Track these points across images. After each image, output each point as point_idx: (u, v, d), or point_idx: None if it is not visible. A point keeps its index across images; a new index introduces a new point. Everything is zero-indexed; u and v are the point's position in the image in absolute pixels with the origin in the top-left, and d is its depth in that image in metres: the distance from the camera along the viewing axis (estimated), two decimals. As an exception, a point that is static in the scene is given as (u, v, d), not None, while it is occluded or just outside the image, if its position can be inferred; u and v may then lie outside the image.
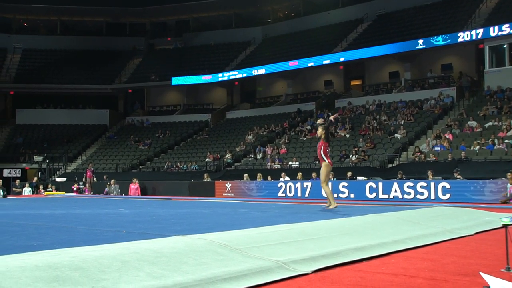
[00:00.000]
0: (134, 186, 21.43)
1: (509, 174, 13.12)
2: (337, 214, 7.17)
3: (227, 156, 26.70)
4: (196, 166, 26.58)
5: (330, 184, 16.75)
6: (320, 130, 8.76)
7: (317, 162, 21.90)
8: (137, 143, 33.60)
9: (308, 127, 27.45)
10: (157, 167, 28.74)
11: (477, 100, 24.36)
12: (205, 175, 21.85)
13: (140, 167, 29.84)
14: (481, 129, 20.48)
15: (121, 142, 34.59)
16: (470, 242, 5.35)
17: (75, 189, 23.91)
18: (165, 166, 28.21)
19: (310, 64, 30.88)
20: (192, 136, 33.90)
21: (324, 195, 16.71)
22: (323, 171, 8.59)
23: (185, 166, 27.04)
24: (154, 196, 20.39)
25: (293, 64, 31.50)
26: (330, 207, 8.59)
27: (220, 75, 34.86)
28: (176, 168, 27.27)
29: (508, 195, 13.12)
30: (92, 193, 22.77)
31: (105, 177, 25.21)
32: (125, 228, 5.38)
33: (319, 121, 9.14)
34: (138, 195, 20.98)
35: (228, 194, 19.30)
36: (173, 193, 20.93)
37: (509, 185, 13.23)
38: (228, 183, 19.65)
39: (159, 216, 7.52)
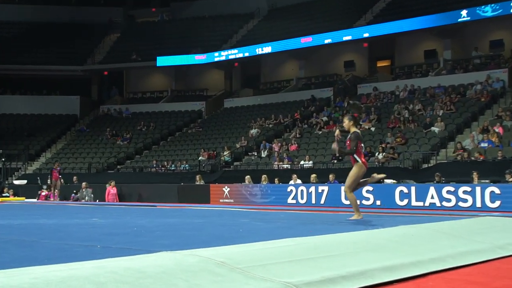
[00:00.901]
0: (113, 190, 21.47)
1: None
2: (361, 226, 7.15)
3: (224, 153, 26.71)
4: (186, 166, 26.59)
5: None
6: (346, 121, 8.66)
7: (335, 161, 21.96)
8: (115, 138, 33.64)
9: (324, 118, 27.42)
10: (139, 167, 28.76)
11: (534, 85, 24.32)
12: (198, 177, 21.87)
13: (118, 167, 29.88)
14: (538, 121, 20.43)
15: (95, 136, 34.65)
16: (526, 260, 5.32)
17: (43, 194, 23.91)
18: (149, 166, 28.22)
19: (327, 41, 30.81)
20: (182, 129, 33.91)
21: (346, 202, 16.72)
22: (353, 173, 8.44)
23: (173, 166, 27.06)
24: (135, 202, 20.41)
25: (306, 40, 31.44)
26: (353, 217, 8.53)
27: (216, 54, 34.83)
28: (163, 168, 27.29)
29: None
30: (58, 199, 22.82)
31: (74, 179, 25.27)
32: (100, 242, 5.37)
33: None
34: (117, 201, 21.04)
35: (226, 201, 19.27)
36: (159, 199, 20.90)
37: None
38: (226, 187, 19.63)
39: (141, 227, 7.51)
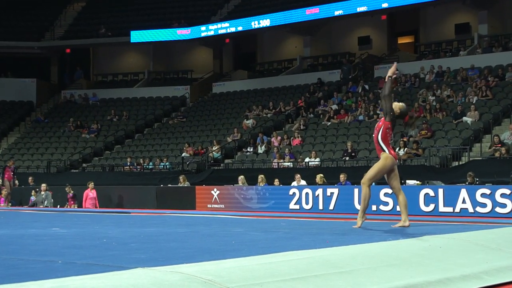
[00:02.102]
0: (92, 193, 21.32)
1: None
2: (378, 236, 7.16)
3: (213, 149, 26.72)
4: (167, 164, 26.58)
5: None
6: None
7: (347, 158, 22.00)
8: (79, 130, 33.59)
9: (334, 107, 27.42)
10: (109, 165, 28.73)
11: None
12: (181, 177, 21.85)
13: (84, 165, 29.85)
14: None
15: (55, 128, 34.60)
16: None
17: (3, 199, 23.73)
18: (122, 164, 28.19)
19: (337, 13, 30.76)
20: (161, 120, 33.88)
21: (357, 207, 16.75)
22: (378, 165, 8.35)
23: (151, 164, 27.05)
24: (105, 208, 20.39)
25: (312, 12, 31.39)
26: (356, 225, 8.60)
27: (203, 28, 34.76)
28: (138, 167, 27.27)
29: None
30: (10, 204, 22.75)
31: (30, 180, 25.21)
32: (62, 257, 5.35)
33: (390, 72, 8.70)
34: (97, 206, 20.93)
35: (216, 206, 19.27)
36: (134, 204, 20.84)
37: None
38: (215, 190, 19.61)
39: (112, 238, 7.50)
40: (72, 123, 34.02)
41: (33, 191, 22.89)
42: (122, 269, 4.19)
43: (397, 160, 8.63)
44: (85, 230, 9.34)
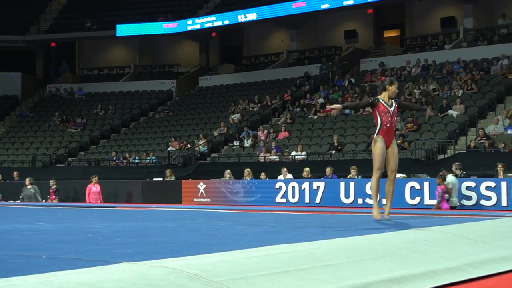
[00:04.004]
0: (95, 187, 21.00)
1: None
2: (363, 230, 7.18)
3: (200, 143, 26.68)
4: (153, 158, 26.52)
5: (352, 184, 16.82)
6: (394, 87, 8.52)
7: (333, 151, 22.04)
8: (65, 124, 33.45)
9: (321, 100, 27.45)
10: (95, 159, 28.63)
11: None
12: (167, 171, 21.82)
13: (70, 159, 29.73)
14: None
15: (40, 122, 34.43)
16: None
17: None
18: (108, 159, 28.10)
19: (323, 6, 30.78)
20: (147, 114, 33.80)
21: (347, 201, 16.81)
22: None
23: (137, 158, 26.98)
24: (90, 203, 20.33)
25: (298, 5, 31.39)
26: (385, 214, 8.54)
27: (189, 22, 34.67)
28: (124, 161, 27.20)
29: (438, 198, 14.75)
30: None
31: (15, 174, 25.06)
32: (46, 252, 5.33)
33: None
34: (101, 201, 20.68)
35: (202, 200, 19.30)
36: (119, 199, 20.81)
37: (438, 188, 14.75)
38: (201, 184, 19.64)
39: (97, 233, 7.48)
40: (58, 117, 33.87)
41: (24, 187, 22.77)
42: (107, 263, 4.18)
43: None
44: (70, 224, 9.30)
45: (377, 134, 8.47)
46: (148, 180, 22.44)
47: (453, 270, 4.83)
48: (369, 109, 8.74)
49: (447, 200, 14.77)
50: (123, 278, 3.66)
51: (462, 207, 14.88)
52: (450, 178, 15.00)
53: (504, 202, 14.60)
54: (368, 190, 16.33)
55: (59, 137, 32.49)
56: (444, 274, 4.69)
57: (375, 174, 8.45)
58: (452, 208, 14.51)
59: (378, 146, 8.43)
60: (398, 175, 17.39)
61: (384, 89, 8.58)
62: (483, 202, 14.82)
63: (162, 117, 32.45)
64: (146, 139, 30.19)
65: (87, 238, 6.84)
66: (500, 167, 15.94)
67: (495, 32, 28.59)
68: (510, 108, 21.60)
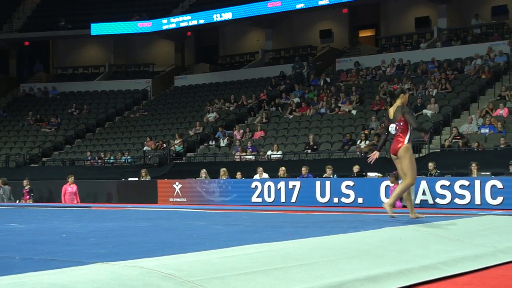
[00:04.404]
0: (71, 187, 20.71)
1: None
2: (339, 229, 7.21)
3: (175, 142, 26.60)
4: (129, 158, 26.41)
5: (327, 184, 16.87)
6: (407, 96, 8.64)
7: (309, 151, 22.09)
8: (39, 124, 33.17)
9: (296, 100, 27.51)
10: (69, 159, 28.42)
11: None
12: (143, 171, 21.74)
13: (44, 159, 29.49)
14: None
15: (14, 122, 34.10)
16: (533, 267, 5.43)
17: None
18: (82, 158, 27.90)
19: (299, 6, 30.85)
20: (122, 113, 33.63)
21: (323, 200, 16.85)
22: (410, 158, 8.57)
23: (112, 158, 26.83)
24: (64, 203, 20.18)
25: (274, 5, 31.42)
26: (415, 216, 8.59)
27: (164, 21, 34.54)
28: (99, 161, 27.04)
29: None
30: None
31: (-11, 175, 24.80)
32: (19, 253, 5.28)
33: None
34: (77, 201, 20.41)
35: (178, 200, 19.25)
36: (94, 199, 20.67)
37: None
38: (177, 183, 19.59)
39: (72, 233, 7.42)
40: (32, 117, 33.59)
41: None
42: (81, 264, 4.16)
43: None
44: (44, 225, 9.23)
45: (408, 142, 8.41)
46: (123, 180, 22.32)
47: (427, 268, 4.87)
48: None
49: (401, 199, 14.96)
50: (98, 278, 3.64)
51: (436, 205, 15.01)
52: None
53: (477, 201, 14.75)
54: (344, 190, 16.44)
55: (33, 136, 32.20)
56: (418, 272, 4.72)
57: (412, 182, 8.46)
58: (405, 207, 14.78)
59: (412, 154, 8.46)
60: (373, 174, 17.55)
61: (398, 97, 8.56)
62: (457, 200, 14.96)
63: (138, 117, 32.30)
64: (121, 138, 30.04)
65: (61, 238, 6.79)
66: (474, 166, 16.10)
67: (468, 32, 28.86)
68: (484, 108, 21.82)
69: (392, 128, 8.53)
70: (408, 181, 8.32)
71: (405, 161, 8.34)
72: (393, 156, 8.55)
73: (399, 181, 13.46)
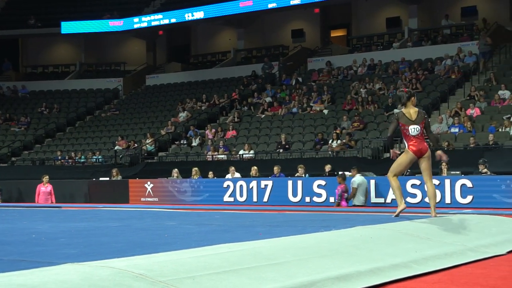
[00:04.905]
0: (45, 187, 20.40)
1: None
2: (310, 228, 7.23)
3: (147, 142, 26.48)
4: (100, 157, 26.23)
5: (299, 183, 16.92)
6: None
7: (281, 150, 22.14)
8: (8, 123, 32.81)
9: (268, 99, 27.55)
10: (39, 159, 28.15)
11: None
12: (114, 171, 21.61)
13: (13, 159, 29.16)
14: (517, 103, 21.18)
15: (-17, 121, 33.67)
16: (502, 265, 5.51)
17: None
18: (53, 158, 27.65)
19: (271, 5, 30.89)
20: (93, 112, 33.39)
21: (295, 199, 16.89)
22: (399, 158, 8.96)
23: (83, 157, 26.63)
24: (33, 203, 19.98)
25: (246, 4, 31.44)
26: (398, 210, 8.90)
27: (136, 20, 34.39)
28: (70, 160, 26.82)
29: (337, 197, 15.71)
30: None
31: (-44, 175, 24.49)
32: (-12, 253, 5.23)
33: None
34: (53, 202, 20.10)
35: (149, 199, 19.20)
36: (65, 199, 20.51)
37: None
38: (148, 183, 19.54)
39: (42, 233, 7.37)
40: (1, 116, 33.25)
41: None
42: (50, 264, 4.13)
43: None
44: (13, 225, 9.13)
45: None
46: (94, 179, 22.20)
47: (397, 266, 4.91)
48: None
49: (347, 199, 15.62)
50: (68, 279, 3.62)
51: (407, 204, 15.12)
52: (357, 178, 15.83)
53: (447, 200, 14.93)
54: (315, 189, 16.52)
55: (2, 136, 31.82)
56: (389, 270, 4.76)
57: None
58: (357, 206, 15.36)
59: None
60: (347, 173, 17.62)
61: (409, 100, 9.11)
62: (427, 199, 15.07)
63: (109, 116, 32.11)
64: (92, 138, 29.83)
65: (31, 239, 6.73)
66: (444, 165, 16.26)
67: (438, 33, 29.15)
68: (454, 107, 22.05)
69: (414, 128, 8.81)
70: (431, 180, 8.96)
71: (430, 162, 8.78)
72: (415, 156, 8.77)
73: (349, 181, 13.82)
